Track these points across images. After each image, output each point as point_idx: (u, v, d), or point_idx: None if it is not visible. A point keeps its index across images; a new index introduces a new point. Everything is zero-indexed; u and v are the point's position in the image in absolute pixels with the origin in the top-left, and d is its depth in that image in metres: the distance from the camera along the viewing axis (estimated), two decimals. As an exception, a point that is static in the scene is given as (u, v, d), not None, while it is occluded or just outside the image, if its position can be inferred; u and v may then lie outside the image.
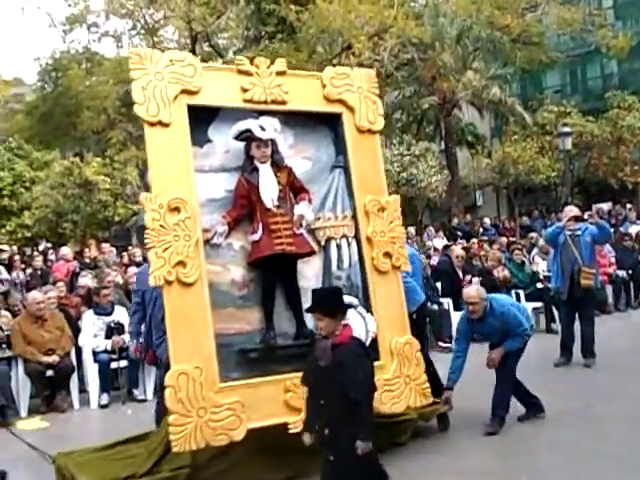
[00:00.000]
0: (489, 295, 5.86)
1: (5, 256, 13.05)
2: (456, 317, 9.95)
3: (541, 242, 12.41)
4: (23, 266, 12.99)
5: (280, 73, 5.21)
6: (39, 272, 12.80)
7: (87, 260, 14.00)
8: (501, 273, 10.88)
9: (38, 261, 13.50)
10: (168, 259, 4.50)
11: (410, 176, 19.60)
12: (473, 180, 25.41)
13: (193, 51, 26.60)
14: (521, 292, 10.67)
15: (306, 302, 5.01)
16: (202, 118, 4.94)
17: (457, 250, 11.44)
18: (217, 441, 4.44)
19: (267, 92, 5.10)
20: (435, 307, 9.67)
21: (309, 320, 4.94)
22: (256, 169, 4.96)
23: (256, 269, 4.96)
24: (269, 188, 4.92)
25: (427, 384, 5.29)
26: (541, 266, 11.75)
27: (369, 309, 5.22)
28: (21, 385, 7.49)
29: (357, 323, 5.10)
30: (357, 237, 5.35)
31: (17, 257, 13.89)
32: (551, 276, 8.87)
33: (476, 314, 5.71)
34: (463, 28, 22.21)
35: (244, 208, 4.96)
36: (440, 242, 16.53)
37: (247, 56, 21.29)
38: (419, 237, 17.47)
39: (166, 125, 4.70)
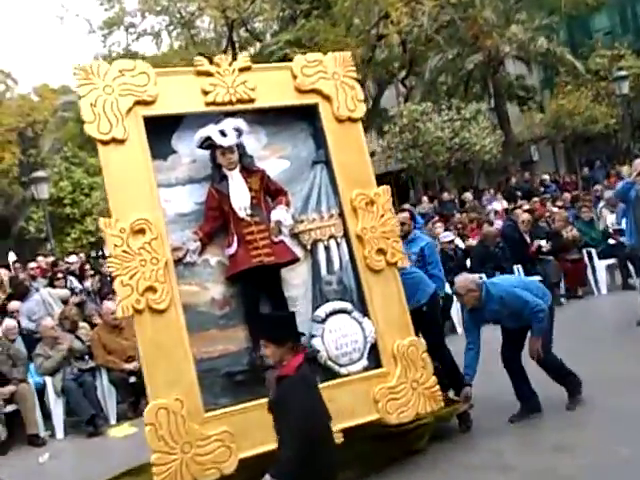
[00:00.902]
0: (486, 280, 5.46)
1: (75, 266, 13.18)
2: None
3: (607, 194, 11.77)
4: (92, 272, 13.06)
5: (244, 69, 4.84)
6: (108, 277, 12.79)
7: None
8: (570, 233, 10.41)
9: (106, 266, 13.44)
10: (135, 286, 4.22)
11: (463, 140, 18.91)
12: (527, 136, 24.41)
13: (230, 38, 26.50)
14: (593, 250, 10.17)
15: (297, 313, 4.69)
16: (163, 128, 4.63)
17: (523, 215, 10.93)
18: (206, 476, 4.17)
19: (231, 92, 4.74)
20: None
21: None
22: (225, 177, 4.63)
23: (236, 284, 4.64)
24: (240, 196, 4.59)
25: (437, 387, 4.90)
26: (609, 219, 11.10)
27: (366, 312, 4.85)
28: (107, 393, 7.64)
29: (353, 330, 4.75)
30: (346, 236, 4.97)
31: (87, 266, 14.00)
32: (625, 231, 8.35)
33: (470, 304, 5.29)
34: (503, -20, 21.23)
35: (217, 220, 4.64)
36: (500, 205, 15.92)
37: (286, 38, 20.82)
38: (477, 201, 16.84)
39: (121, 141, 4.40)
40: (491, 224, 12.10)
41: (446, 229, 11.78)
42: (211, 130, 4.56)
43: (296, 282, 4.83)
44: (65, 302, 9.30)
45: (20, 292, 9.53)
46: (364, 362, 4.77)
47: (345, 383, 4.67)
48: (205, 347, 4.46)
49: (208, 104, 4.70)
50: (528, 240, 10.30)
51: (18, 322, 8.38)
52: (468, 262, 10.50)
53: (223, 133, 4.54)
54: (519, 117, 23.89)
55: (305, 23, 23.44)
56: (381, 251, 4.92)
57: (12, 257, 18.96)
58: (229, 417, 4.30)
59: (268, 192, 4.77)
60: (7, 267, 15.55)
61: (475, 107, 19.84)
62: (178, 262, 4.50)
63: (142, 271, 4.25)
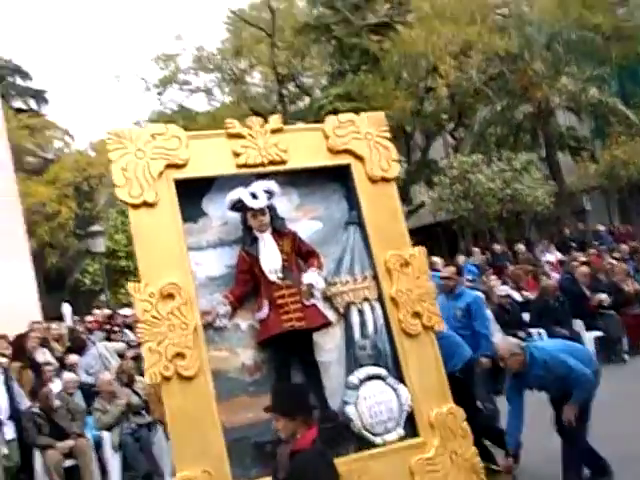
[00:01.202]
0: (530, 344, 5.24)
1: (131, 319, 13.39)
2: (589, 339, 9.25)
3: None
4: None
5: (276, 130, 4.82)
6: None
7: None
8: (631, 286, 10.06)
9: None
10: (164, 352, 4.15)
11: (515, 192, 18.70)
12: (579, 186, 24.02)
13: (280, 93, 26.95)
14: (655, 304, 9.83)
15: (328, 379, 4.58)
16: (194, 191, 4.62)
17: (581, 268, 10.72)
18: None
19: (263, 153, 4.72)
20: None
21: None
22: (256, 240, 4.59)
23: (267, 349, 4.55)
24: (271, 259, 4.54)
25: (477, 458, 4.67)
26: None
27: (401, 379, 4.68)
28: (164, 449, 7.50)
29: (388, 397, 4.58)
30: (381, 299, 4.84)
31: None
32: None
33: (514, 368, 5.09)
34: (552, 33, 21.13)
35: (247, 284, 4.58)
36: (554, 256, 15.60)
37: (335, 92, 21.01)
38: (530, 253, 16.51)
39: (152, 205, 4.40)
40: (548, 276, 11.83)
41: (501, 281, 11.57)
42: (242, 192, 4.53)
43: (329, 347, 4.70)
44: (121, 356, 9.45)
45: (78, 345, 9.73)
46: (400, 431, 4.60)
47: (380, 454, 4.50)
48: (235, 415, 4.34)
49: (239, 166, 4.68)
50: (588, 294, 9.99)
51: (76, 376, 8.50)
52: (524, 316, 10.24)
53: (254, 195, 4.50)
54: (571, 167, 23.54)
55: (354, 77, 23.74)
56: (417, 314, 4.77)
57: (67, 309, 19.27)
58: (259, 489, 4.17)
59: (300, 254, 4.70)
60: (60, 319, 15.83)
61: (526, 158, 19.66)
62: (208, 327, 4.43)
63: (171, 337, 4.19)
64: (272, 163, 4.76)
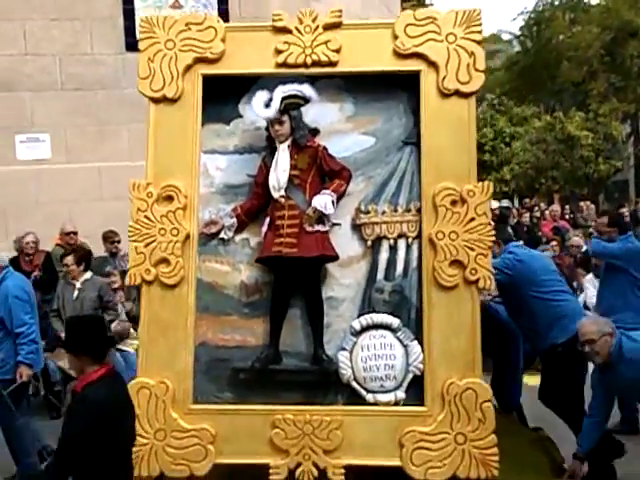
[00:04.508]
0: (624, 331, 4.10)
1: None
2: None
3: None
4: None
5: (331, 26, 4.38)
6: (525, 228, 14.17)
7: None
8: None
9: (526, 217, 15.17)
10: (149, 256, 4.25)
11: None
12: None
13: None
14: None
15: (336, 318, 4.21)
16: (232, 89, 4.51)
17: None
18: (174, 471, 4.12)
19: (307, 52, 4.38)
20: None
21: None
22: (275, 150, 4.28)
23: (271, 272, 4.32)
24: (276, 174, 4.30)
25: (494, 450, 3.92)
26: None
27: (419, 336, 4.09)
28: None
29: (391, 352, 4.10)
30: (420, 238, 4.23)
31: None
32: None
33: (598, 357, 4.07)
34: None
35: (260, 198, 4.43)
36: None
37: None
38: None
39: (172, 101, 4.41)
40: None
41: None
42: (258, 96, 4.23)
43: (347, 282, 4.35)
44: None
45: None
46: (400, 394, 4.14)
47: (368, 412, 4.13)
48: (221, 334, 4.33)
49: (278, 65, 4.41)
50: None
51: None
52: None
53: (266, 104, 4.19)
54: None
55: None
56: (458, 263, 4.13)
57: None
58: (216, 415, 4.16)
59: (325, 173, 4.30)
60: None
61: None
62: (213, 237, 4.41)
63: (159, 240, 4.26)
64: (317, 64, 4.39)
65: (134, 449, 3.97)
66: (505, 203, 16.27)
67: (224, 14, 10.97)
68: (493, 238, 4.26)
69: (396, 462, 4.04)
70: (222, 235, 4.42)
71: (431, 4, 37.84)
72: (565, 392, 5.00)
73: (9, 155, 10.91)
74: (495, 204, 19.83)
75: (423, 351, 4.14)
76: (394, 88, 4.49)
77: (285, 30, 4.46)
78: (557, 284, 5.24)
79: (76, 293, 7.59)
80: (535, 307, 5.09)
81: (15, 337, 5.64)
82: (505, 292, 5.34)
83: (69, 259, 7.60)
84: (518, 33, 33.34)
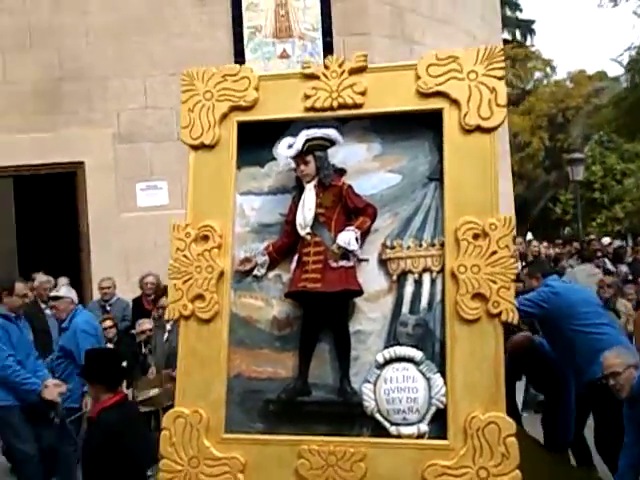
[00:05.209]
0: None
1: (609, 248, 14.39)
2: None
3: None
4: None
5: (356, 70, 4.49)
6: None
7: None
8: None
9: None
10: (186, 292, 4.45)
11: None
12: None
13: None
14: None
15: (363, 351, 4.27)
16: (267, 134, 4.69)
17: None
18: (207, 498, 4.18)
19: (333, 96, 4.51)
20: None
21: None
22: (302, 190, 4.42)
23: (301, 307, 4.42)
24: (303, 212, 4.42)
25: (518, 486, 3.83)
26: None
27: (442, 369, 4.07)
28: None
29: (414, 385, 4.10)
30: (444, 272, 4.22)
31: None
32: None
33: (622, 391, 3.89)
34: None
35: (290, 236, 4.56)
36: None
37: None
38: None
39: (209, 147, 4.64)
40: None
41: None
42: (285, 140, 4.40)
43: (374, 316, 4.38)
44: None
45: None
46: (423, 427, 4.10)
47: (391, 445, 4.11)
48: (255, 367, 4.44)
49: (307, 109, 4.56)
50: None
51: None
52: None
53: (290, 145, 4.38)
54: None
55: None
56: (480, 297, 4.09)
57: (529, 236, 20.75)
58: (247, 445, 4.25)
59: (351, 211, 4.38)
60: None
61: None
62: (248, 274, 4.57)
63: (195, 277, 4.46)
64: (343, 107, 4.51)
65: (168, 476, 4.22)
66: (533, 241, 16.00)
67: (329, 62, 11.56)
68: (516, 271, 4.22)
69: (418, 495, 4.07)
70: (255, 272, 4.57)
71: (532, 45, 37.55)
72: (612, 430, 4.81)
73: (131, 203, 11.79)
74: (607, 240, 19.36)
75: (446, 384, 4.11)
76: (419, 127, 4.55)
77: (313, 76, 4.61)
78: (598, 317, 5.07)
79: (166, 335, 7.98)
80: (575, 340, 4.94)
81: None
82: (544, 326, 5.22)
83: (164, 300, 8.02)
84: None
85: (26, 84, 11.90)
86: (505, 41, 36.61)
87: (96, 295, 10.68)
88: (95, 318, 6.84)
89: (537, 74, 39.95)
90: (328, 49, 11.77)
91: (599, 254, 12.84)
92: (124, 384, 8.20)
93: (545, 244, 17.70)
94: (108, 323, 9.23)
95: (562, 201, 30.92)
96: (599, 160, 28.60)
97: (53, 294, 6.59)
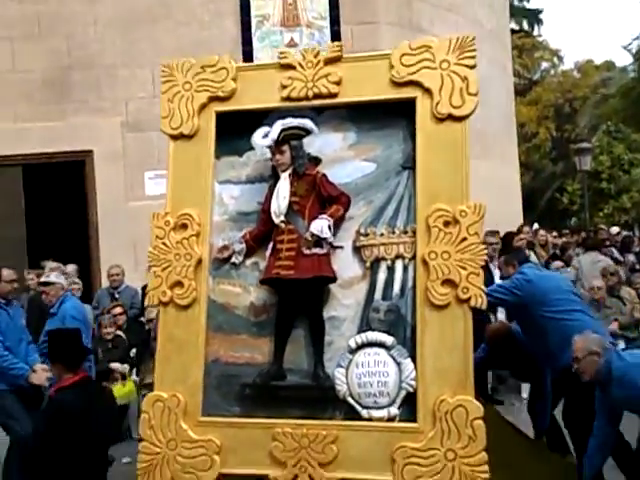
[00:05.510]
0: (618, 350, 3.95)
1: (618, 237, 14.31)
2: None
3: None
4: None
5: (331, 60, 4.55)
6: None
7: None
8: None
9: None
10: (165, 279, 4.53)
11: None
12: None
13: None
14: None
15: (337, 337, 4.35)
16: (244, 124, 4.73)
17: None
18: (183, 479, 4.29)
19: (309, 86, 4.57)
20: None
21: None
22: (278, 179, 4.47)
23: (276, 293, 4.49)
24: (278, 200, 4.50)
25: (483, 467, 3.89)
26: None
27: (413, 353, 4.13)
28: None
29: (384, 369, 4.17)
30: (416, 259, 4.27)
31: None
32: None
33: (587, 373, 3.95)
34: None
35: (267, 224, 4.63)
36: None
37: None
38: None
39: (189, 137, 4.71)
40: None
41: None
42: (260, 129, 4.47)
43: (348, 302, 4.45)
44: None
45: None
46: (393, 410, 4.17)
47: (362, 427, 4.19)
48: (232, 352, 4.52)
49: (283, 99, 4.62)
50: None
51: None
52: None
53: (265, 134, 4.43)
54: None
55: None
56: (450, 283, 4.14)
57: (535, 226, 20.68)
58: (223, 428, 4.34)
59: (324, 199, 4.45)
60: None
61: None
62: (226, 261, 4.65)
63: (174, 265, 4.54)
64: (318, 96, 4.57)
65: (147, 457, 4.31)
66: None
67: (338, 50, 11.54)
68: (485, 257, 4.25)
69: (388, 477, 4.06)
70: (233, 260, 4.64)
71: (539, 35, 37.30)
72: (581, 414, 4.86)
73: (139, 191, 11.77)
74: (615, 229, 19.23)
75: (416, 368, 4.17)
76: (394, 116, 4.58)
77: (289, 67, 4.67)
78: (571, 304, 5.10)
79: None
80: (547, 327, 4.98)
81: None
82: (517, 313, 5.26)
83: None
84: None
85: (35, 73, 11.91)
86: (512, 30, 36.43)
87: (105, 283, 10.81)
88: (81, 304, 6.97)
89: (544, 64, 39.78)
90: (336, 38, 11.66)
91: (607, 243, 12.86)
92: (134, 371, 8.37)
93: (554, 233, 17.66)
94: (118, 310, 9.41)
95: (569, 191, 30.84)
96: (607, 150, 28.47)
97: (43, 279, 6.68)
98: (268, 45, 11.80)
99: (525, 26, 39.83)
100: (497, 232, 9.29)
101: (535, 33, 41.36)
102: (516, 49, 34.89)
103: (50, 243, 11.60)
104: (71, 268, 9.83)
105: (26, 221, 11.91)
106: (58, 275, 6.80)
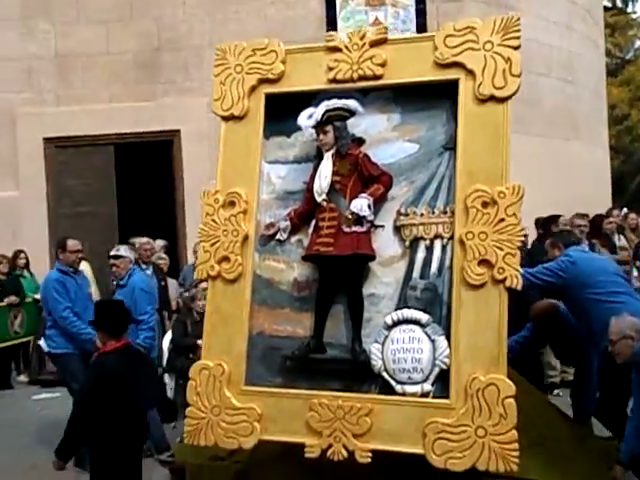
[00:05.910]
0: None
1: None
2: None
3: None
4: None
5: (376, 42, 4.60)
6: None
7: None
8: None
9: None
10: (214, 254, 4.71)
11: None
12: None
13: None
14: None
15: (378, 313, 4.44)
16: (293, 106, 4.84)
17: None
18: (226, 443, 4.55)
19: (354, 68, 4.64)
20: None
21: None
22: (322, 159, 4.56)
23: (319, 270, 4.61)
24: (320, 180, 4.61)
25: (514, 445, 3.91)
26: None
27: (447, 332, 4.18)
28: None
29: (419, 346, 4.23)
30: (453, 239, 4.31)
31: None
32: None
33: (622, 356, 3.91)
34: None
35: (310, 203, 4.75)
36: None
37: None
38: None
39: (239, 118, 4.87)
40: None
41: None
42: (306, 111, 4.57)
43: (388, 280, 4.53)
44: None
45: None
46: (427, 387, 4.24)
47: (395, 402, 4.28)
48: (276, 325, 4.69)
49: (330, 81, 4.71)
50: None
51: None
52: None
53: (310, 115, 4.54)
54: None
55: None
56: (486, 263, 4.17)
57: (625, 210, 20.14)
58: (264, 397, 4.51)
59: (364, 178, 4.51)
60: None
61: None
62: (271, 238, 4.80)
63: (222, 241, 4.72)
64: (363, 78, 4.64)
65: (193, 422, 4.53)
66: None
67: (422, 28, 11.37)
68: (522, 238, 4.27)
69: (419, 450, 4.14)
70: (278, 236, 4.79)
71: (633, 12, 35.72)
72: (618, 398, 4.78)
73: None
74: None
75: (450, 346, 4.23)
76: (437, 97, 4.61)
77: (336, 49, 4.76)
78: (616, 286, 5.01)
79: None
80: (591, 309, 4.91)
81: (137, 324, 6.44)
82: (563, 296, 5.20)
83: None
84: None
85: (127, 55, 12.27)
86: (605, 8, 35.16)
87: (190, 259, 10.98)
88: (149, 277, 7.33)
89: (638, 42, 38.28)
90: (421, 16, 11.58)
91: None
92: None
93: (647, 216, 17.01)
94: (204, 285, 9.75)
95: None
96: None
97: (113, 253, 6.98)
98: (353, 24, 11.64)
99: (618, 3, 38.40)
100: (586, 215, 9.17)
101: (629, 10, 39.83)
102: (608, 27, 33.66)
103: (139, 220, 12.02)
104: (161, 243, 10.28)
105: (117, 198, 12.36)
106: (127, 249, 7.11)
